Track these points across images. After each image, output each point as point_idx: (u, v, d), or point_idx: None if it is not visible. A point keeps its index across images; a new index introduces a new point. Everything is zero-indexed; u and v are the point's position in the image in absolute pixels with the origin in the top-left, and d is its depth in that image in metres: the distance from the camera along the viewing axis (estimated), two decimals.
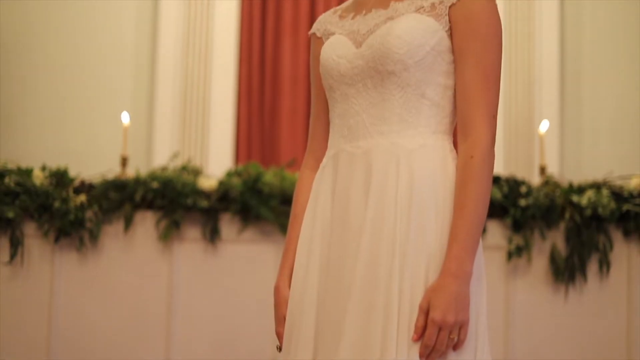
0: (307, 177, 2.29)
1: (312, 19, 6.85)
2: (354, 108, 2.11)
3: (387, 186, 2.03)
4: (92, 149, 6.53)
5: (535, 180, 5.33)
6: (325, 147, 2.23)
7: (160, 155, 6.22)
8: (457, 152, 2.06)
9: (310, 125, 2.32)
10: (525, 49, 6.59)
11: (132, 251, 4.61)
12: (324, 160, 2.20)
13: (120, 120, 5.31)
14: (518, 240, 4.54)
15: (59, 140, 6.65)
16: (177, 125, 6.57)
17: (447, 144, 2.08)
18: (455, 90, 2.07)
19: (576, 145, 6.54)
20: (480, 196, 1.98)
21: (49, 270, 4.56)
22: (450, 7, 2.06)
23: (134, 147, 6.31)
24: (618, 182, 4.68)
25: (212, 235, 4.58)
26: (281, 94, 6.77)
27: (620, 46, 6.66)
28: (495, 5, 2.09)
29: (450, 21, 2.06)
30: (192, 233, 4.62)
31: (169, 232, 4.56)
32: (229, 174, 4.67)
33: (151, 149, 6.55)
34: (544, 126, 5.14)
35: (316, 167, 2.25)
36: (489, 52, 2.04)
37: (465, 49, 2.04)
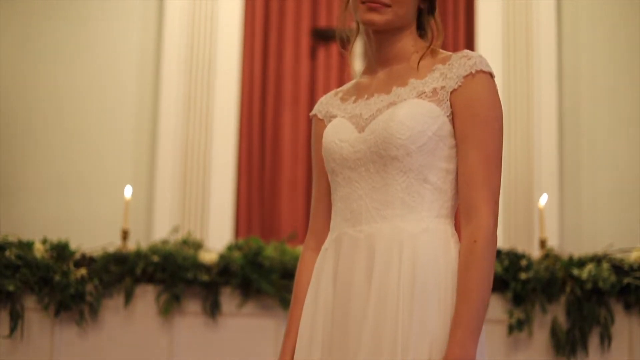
0: (309, 258, 2.30)
1: (312, 92, 6.91)
2: (357, 192, 2.13)
3: (390, 271, 2.04)
4: (93, 221, 6.53)
5: (536, 253, 5.33)
6: (327, 229, 2.24)
7: (160, 228, 6.23)
8: (459, 235, 2.07)
9: (312, 206, 2.34)
10: (524, 122, 6.63)
11: (133, 325, 4.59)
12: (326, 242, 2.21)
13: (121, 193, 5.33)
14: (519, 313, 4.53)
15: (60, 212, 6.65)
16: (177, 199, 6.58)
17: (450, 228, 2.10)
18: (457, 174, 2.10)
19: (576, 217, 6.55)
20: (484, 281, 1.99)
21: (48, 344, 4.54)
22: (451, 92, 2.09)
23: (134, 220, 6.30)
24: (618, 255, 4.68)
25: (213, 309, 4.57)
26: (281, 166, 6.80)
27: (619, 116, 6.70)
28: (496, 90, 2.12)
29: (451, 106, 2.09)
30: (193, 307, 4.61)
31: (170, 306, 4.55)
32: (230, 248, 4.68)
33: (151, 221, 6.56)
34: (543, 200, 5.16)
35: (318, 249, 2.26)
36: (491, 137, 2.07)
37: (467, 134, 2.07)
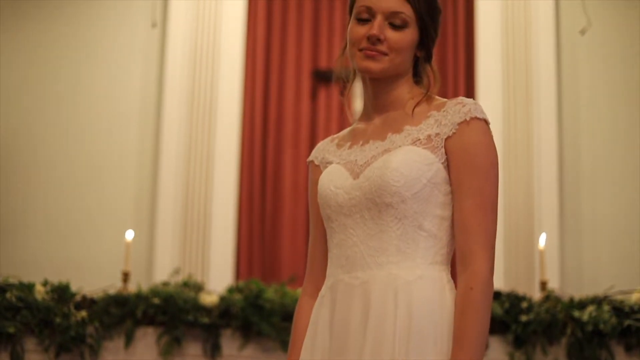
0: (305, 303, 2.30)
1: (313, 133, 6.94)
2: (352, 239, 2.13)
3: (386, 318, 2.04)
4: (94, 264, 6.53)
5: (537, 294, 5.33)
6: (324, 275, 2.24)
7: (161, 270, 6.23)
8: (455, 282, 2.08)
9: (309, 252, 2.35)
10: (524, 163, 6.65)
11: None
12: (323, 289, 2.21)
13: (122, 235, 5.35)
14: (520, 356, 4.53)
15: (61, 254, 6.66)
16: (178, 241, 6.58)
17: (445, 275, 2.10)
18: (452, 221, 2.10)
19: (577, 259, 6.54)
20: (480, 328, 1.99)
21: None
22: (446, 139, 2.10)
23: (135, 262, 6.31)
24: (619, 297, 4.68)
25: (213, 351, 4.57)
26: (282, 207, 6.81)
27: (619, 156, 6.71)
28: (491, 137, 2.13)
29: (446, 153, 2.10)
30: (193, 349, 4.60)
31: (170, 348, 4.55)
32: (230, 290, 4.69)
33: (152, 263, 6.56)
34: (542, 240, 5.16)
35: (315, 295, 2.26)
36: (486, 184, 2.08)
37: (463, 181, 2.08)
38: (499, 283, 5.98)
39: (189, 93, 6.81)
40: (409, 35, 2.17)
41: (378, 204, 2.09)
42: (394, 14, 2.15)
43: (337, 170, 2.21)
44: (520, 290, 5.09)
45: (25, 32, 7.14)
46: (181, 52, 6.86)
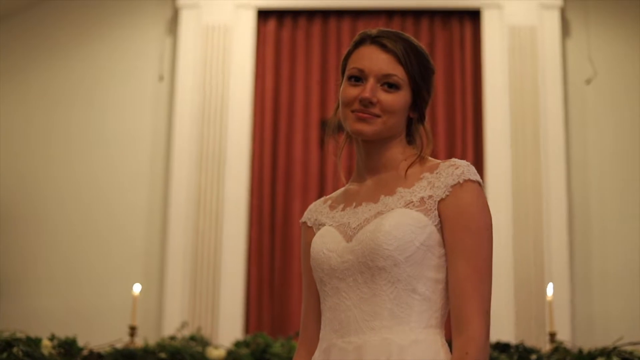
0: None
1: (321, 182, 6.95)
2: (345, 302, 2.10)
3: None
4: (101, 318, 6.53)
5: (547, 345, 5.28)
6: (317, 338, 2.21)
7: (170, 324, 6.21)
8: (449, 345, 2.06)
9: (302, 315, 2.31)
10: (534, 215, 6.63)
11: None
12: (316, 353, 2.18)
13: (130, 290, 5.35)
14: None
15: (69, 308, 6.66)
16: (188, 294, 6.57)
17: (439, 338, 2.07)
18: (447, 284, 2.08)
19: (587, 309, 6.50)
20: None
21: None
22: (439, 201, 2.08)
23: (144, 315, 6.31)
24: (628, 348, 4.63)
25: None
26: (292, 256, 6.81)
27: (629, 206, 6.70)
28: (485, 199, 2.11)
29: (439, 215, 2.08)
30: None
31: None
32: (237, 344, 4.67)
33: (161, 317, 6.54)
34: (550, 290, 5.12)
35: (308, 358, 2.23)
36: (480, 246, 2.05)
37: (457, 244, 2.05)
38: (510, 334, 5.94)
39: (198, 144, 6.85)
40: (401, 97, 2.16)
41: (371, 267, 2.07)
42: (387, 76, 2.15)
43: (329, 232, 2.19)
44: (532, 341, 5.05)
45: (31, 86, 7.21)
46: (190, 104, 6.91)
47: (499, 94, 6.92)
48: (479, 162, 6.90)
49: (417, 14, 7.34)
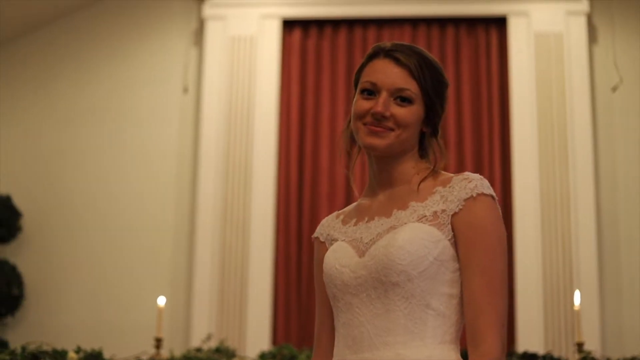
0: None
1: (348, 192, 6.93)
2: (358, 318, 2.08)
3: None
4: (129, 329, 6.56)
5: (575, 355, 5.23)
6: (331, 355, 2.19)
7: (198, 336, 6.20)
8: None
9: (315, 331, 2.30)
10: (563, 224, 6.57)
11: None
12: None
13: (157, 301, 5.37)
14: None
15: (96, 320, 6.69)
16: (215, 305, 6.58)
17: (454, 354, 2.05)
18: (461, 299, 2.06)
19: (617, 318, 6.43)
20: None
21: None
22: (452, 215, 2.06)
23: (172, 328, 6.33)
24: None
25: None
26: None
27: None
28: (498, 213, 2.08)
29: (453, 229, 2.06)
30: None
31: None
32: (263, 356, 4.67)
33: (189, 329, 6.55)
34: (577, 298, 5.06)
35: None
36: (495, 260, 2.03)
37: (471, 258, 2.03)
38: (539, 345, 5.90)
39: (224, 155, 6.86)
40: (414, 111, 2.13)
41: (384, 282, 2.05)
42: (400, 90, 2.13)
43: (342, 248, 2.17)
44: (561, 351, 5.00)
45: (58, 99, 7.26)
46: (216, 115, 6.93)
47: (526, 102, 6.88)
48: (506, 170, 6.86)
49: (442, 22, 7.31)
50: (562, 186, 6.63)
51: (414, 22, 7.33)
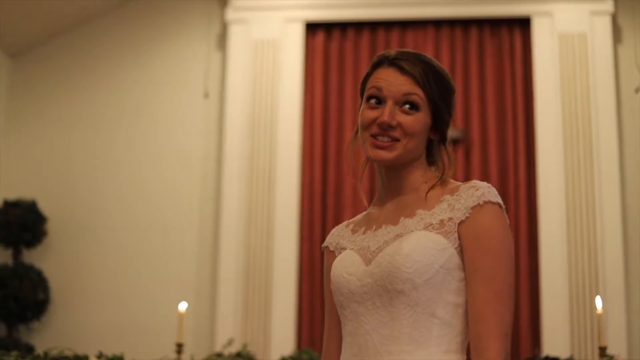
0: None
1: (371, 196, 6.89)
2: (364, 327, 2.07)
3: None
4: (151, 334, 6.57)
5: None
6: None
7: (222, 341, 6.20)
8: None
9: (323, 339, 2.29)
10: (589, 229, 6.52)
11: None
12: None
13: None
14: None
15: (118, 324, 6.72)
16: (240, 310, 6.57)
17: None
18: (466, 307, 2.04)
19: None
20: None
21: None
22: (459, 224, 2.04)
23: (196, 333, 6.34)
24: None
25: None
26: None
27: None
28: (505, 221, 2.06)
29: (459, 238, 2.04)
30: None
31: None
32: None
33: (213, 333, 6.55)
34: (599, 303, 5.00)
35: None
36: (501, 269, 2.00)
37: (477, 267, 2.01)
38: (565, 349, 5.85)
39: (248, 159, 6.87)
40: (421, 119, 2.12)
41: (389, 290, 2.03)
42: (406, 95, 2.11)
43: (350, 256, 2.16)
44: (587, 356, 4.96)
45: (81, 106, 7.31)
46: (239, 119, 6.94)
47: (551, 103, 6.83)
48: (531, 172, 6.82)
49: (465, 23, 7.27)
50: (588, 188, 6.57)
51: (437, 24, 7.30)
